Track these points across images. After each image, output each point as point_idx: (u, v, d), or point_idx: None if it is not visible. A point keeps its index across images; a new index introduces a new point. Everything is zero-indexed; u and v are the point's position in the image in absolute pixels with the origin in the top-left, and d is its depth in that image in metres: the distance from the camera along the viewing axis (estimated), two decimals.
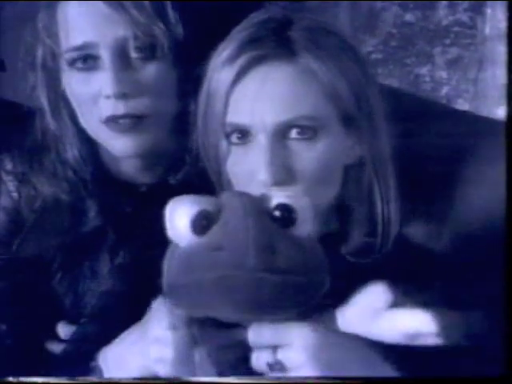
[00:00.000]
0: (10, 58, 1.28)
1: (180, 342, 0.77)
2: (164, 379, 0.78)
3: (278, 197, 0.77)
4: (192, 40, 1.03)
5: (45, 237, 1.11)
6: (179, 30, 1.03)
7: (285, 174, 0.88)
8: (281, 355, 0.76)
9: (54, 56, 1.06)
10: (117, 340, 0.83)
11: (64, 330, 1.07)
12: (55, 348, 1.06)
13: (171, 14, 1.03)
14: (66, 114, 1.09)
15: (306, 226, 0.77)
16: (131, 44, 1.01)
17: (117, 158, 1.10)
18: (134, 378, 0.80)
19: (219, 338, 0.77)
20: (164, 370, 0.78)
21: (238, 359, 0.77)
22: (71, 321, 1.08)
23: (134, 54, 1.02)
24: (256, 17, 0.92)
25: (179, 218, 0.76)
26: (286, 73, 0.88)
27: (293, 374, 0.76)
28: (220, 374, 0.77)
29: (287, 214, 0.76)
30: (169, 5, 1.03)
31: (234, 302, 0.72)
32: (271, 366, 0.76)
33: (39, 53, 1.08)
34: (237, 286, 0.72)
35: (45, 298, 1.11)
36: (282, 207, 0.76)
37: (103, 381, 0.82)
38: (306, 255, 0.75)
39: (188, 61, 1.02)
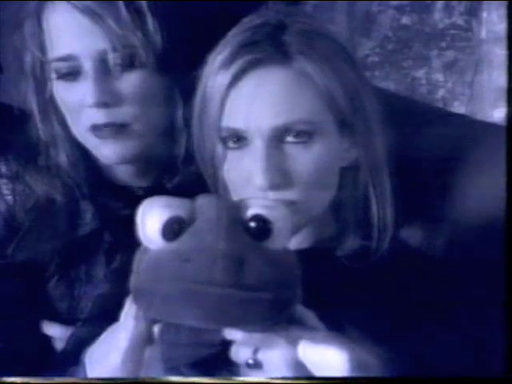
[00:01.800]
0: (6, 61, 1.28)
1: (135, 336, 0.76)
2: (164, 379, 0.77)
3: (254, 206, 0.75)
4: (173, 47, 1.03)
5: (40, 240, 1.10)
6: (158, 39, 1.03)
7: (281, 178, 0.88)
8: (261, 356, 0.75)
9: (42, 64, 1.07)
10: (102, 336, 0.83)
11: (59, 332, 1.07)
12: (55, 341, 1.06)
13: (151, 22, 1.03)
14: (56, 119, 1.09)
15: (281, 239, 0.75)
16: (110, 56, 1.02)
17: (108, 164, 1.10)
18: (133, 378, 0.79)
19: (177, 338, 0.75)
20: (115, 360, 0.77)
21: (191, 357, 0.76)
22: (67, 324, 1.08)
23: (114, 65, 1.03)
24: (251, 21, 0.92)
25: (150, 221, 0.74)
26: (281, 77, 0.88)
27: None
28: (167, 371, 0.76)
29: (262, 226, 0.74)
30: (148, 13, 1.03)
31: (199, 315, 0.71)
32: (249, 365, 0.75)
33: (28, 59, 1.08)
34: (201, 301, 0.70)
35: (40, 302, 1.11)
36: (258, 218, 0.74)
37: (98, 381, 0.81)
38: (278, 270, 0.73)
39: (170, 67, 1.03)
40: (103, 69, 1.02)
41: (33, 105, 1.10)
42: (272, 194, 0.88)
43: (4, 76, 1.25)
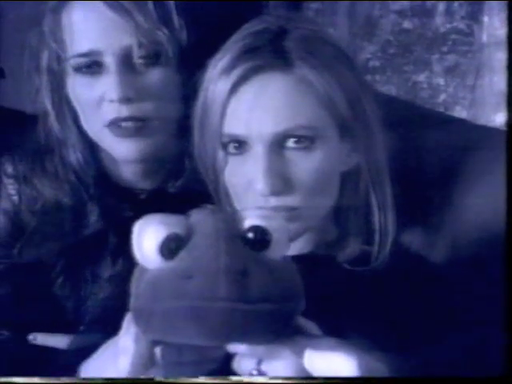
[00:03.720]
0: (14, 63, 1.28)
1: (137, 359, 0.75)
2: (164, 379, 0.77)
3: (251, 218, 0.74)
4: (197, 45, 1.04)
5: (46, 241, 1.10)
6: (184, 36, 1.04)
7: (282, 184, 0.88)
8: (265, 367, 0.75)
9: (60, 60, 1.07)
10: (97, 352, 0.82)
11: (61, 342, 1.07)
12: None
13: (176, 19, 1.04)
14: (70, 117, 1.09)
15: (280, 249, 0.74)
16: (136, 51, 1.02)
17: (118, 163, 1.11)
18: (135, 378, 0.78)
19: (179, 357, 0.75)
20: None
21: (193, 374, 0.75)
22: (73, 325, 1.08)
23: (138, 60, 1.03)
24: (251, 27, 0.92)
25: (147, 240, 0.73)
26: (282, 83, 0.89)
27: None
28: None
29: (261, 237, 0.73)
30: (174, 10, 1.04)
31: (204, 332, 0.70)
32: (253, 376, 0.75)
33: (45, 56, 1.08)
34: (207, 317, 0.69)
35: (47, 302, 1.11)
36: (256, 229, 0.73)
37: (97, 381, 0.81)
38: (280, 280, 0.72)
39: (192, 66, 1.02)
40: (127, 64, 1.03)
41: (46, 103, 1.10)
42: (273, 200, 0.88)
43: (13, 78, 1.26)
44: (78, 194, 1.10)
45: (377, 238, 0.93)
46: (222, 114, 0.90)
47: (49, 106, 1.10)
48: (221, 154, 0.91)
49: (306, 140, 0.89)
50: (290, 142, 0.89)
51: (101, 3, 1.02)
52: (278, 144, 0.88)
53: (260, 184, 0.87)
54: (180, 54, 1.04)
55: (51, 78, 1.09)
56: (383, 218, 0.94)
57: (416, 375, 0.78)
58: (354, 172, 0.94)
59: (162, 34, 1.02)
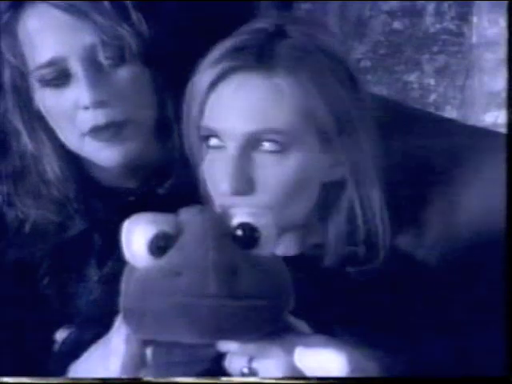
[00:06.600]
0: None
1: (128, 360, 0.75)
2: (163, 379, 0.77)
3: (240, 215, 0.74)
4: (159, 38, 1.03)
5: (30, 241, 1.09)
6: (144, 30, 1.02)
7: (245, 185, 0.88)
8: (256, 364, 0.75)
9: (23, 76, 1.04)
10: (86, 353, 0.82)
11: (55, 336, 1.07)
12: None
13: (134, 14, 1.02)
14: (43, 132, 1.07)
15: (269, 246, 0.75)
16: (100, 51, 1.01)
17: (102, 168, 1.09)
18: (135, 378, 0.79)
19: (170, 357, 0.76)
20: None
21: (185, 374, 0.76)
22: (61, 325, 1.07)
23: (104, 61, 1.01)
24: (251, 25, 0.92)
25: (136, 238, 0.73)
26: (258, 86, 0.88)
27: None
28: None
29: (250, 234, 0.74)
30: (130, 5, 1.02)
31: (194, 329, 0.70)
32: (244, 374, 0.75)
33: (6, 74, 1.06)
34: (196, 314, 0.69)
35: (32, 303, 1.11)
36: (245, 226, 0.74)
37: (97, 381, 0.81)
38: (269, 277, 0.73)
39: (159, 59, 1.02)
40: (94, 66, 1.01)
41: (17, 122, 1.07)
42: (236, 200, 0.87)
43: None
44: (65, 209, 1.08)
45: (363, 240, 0.93)
46: (202, 107, 0.91)
47: (19, 125, 1.07)
48: (200, 146, 0.92)
49: (278, 144, 0.88)
50: (263, 145, 0.88)
51: (55, 9, 1.00)
52: (250, 145, 0.88)
53: (224, 184, 0.87)
54: (144, 48, 1.02)
55: (17, 95, 1.06)
56: (371, 220, 0.93)
57: (410, 374, 0.79)
58: (338, 183, 0.93)
59: (123, 30, 1.01)
